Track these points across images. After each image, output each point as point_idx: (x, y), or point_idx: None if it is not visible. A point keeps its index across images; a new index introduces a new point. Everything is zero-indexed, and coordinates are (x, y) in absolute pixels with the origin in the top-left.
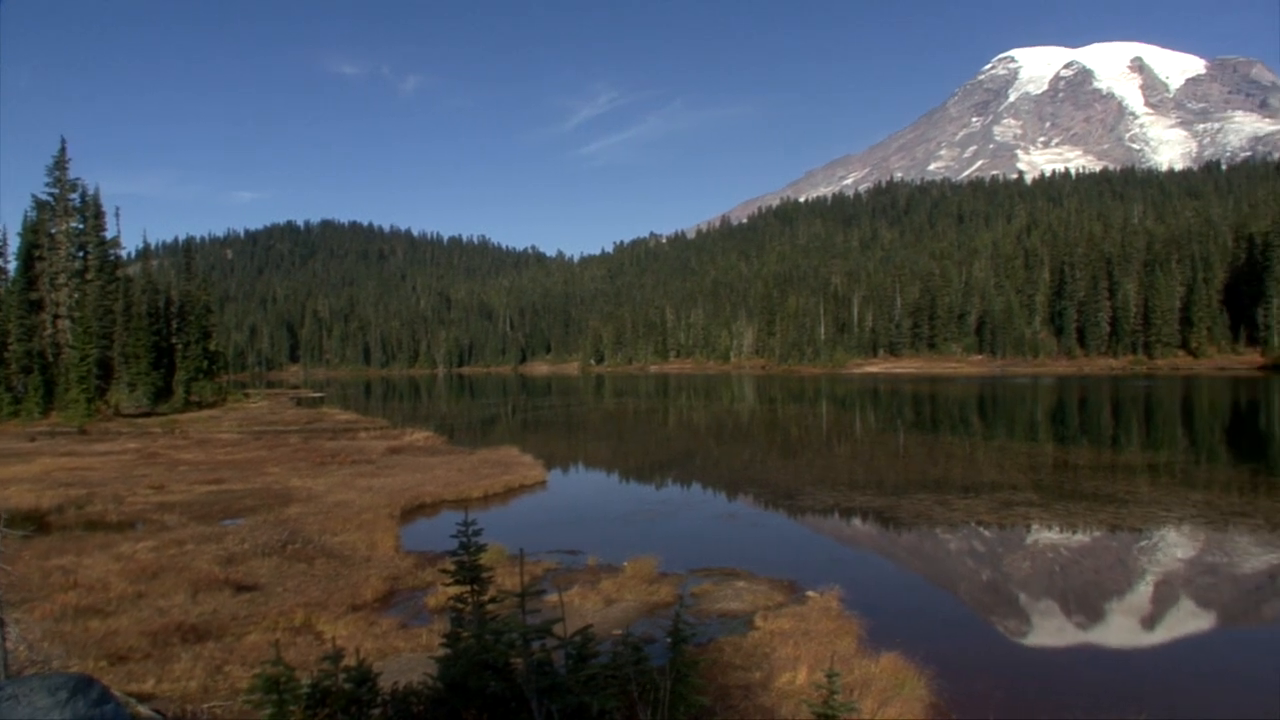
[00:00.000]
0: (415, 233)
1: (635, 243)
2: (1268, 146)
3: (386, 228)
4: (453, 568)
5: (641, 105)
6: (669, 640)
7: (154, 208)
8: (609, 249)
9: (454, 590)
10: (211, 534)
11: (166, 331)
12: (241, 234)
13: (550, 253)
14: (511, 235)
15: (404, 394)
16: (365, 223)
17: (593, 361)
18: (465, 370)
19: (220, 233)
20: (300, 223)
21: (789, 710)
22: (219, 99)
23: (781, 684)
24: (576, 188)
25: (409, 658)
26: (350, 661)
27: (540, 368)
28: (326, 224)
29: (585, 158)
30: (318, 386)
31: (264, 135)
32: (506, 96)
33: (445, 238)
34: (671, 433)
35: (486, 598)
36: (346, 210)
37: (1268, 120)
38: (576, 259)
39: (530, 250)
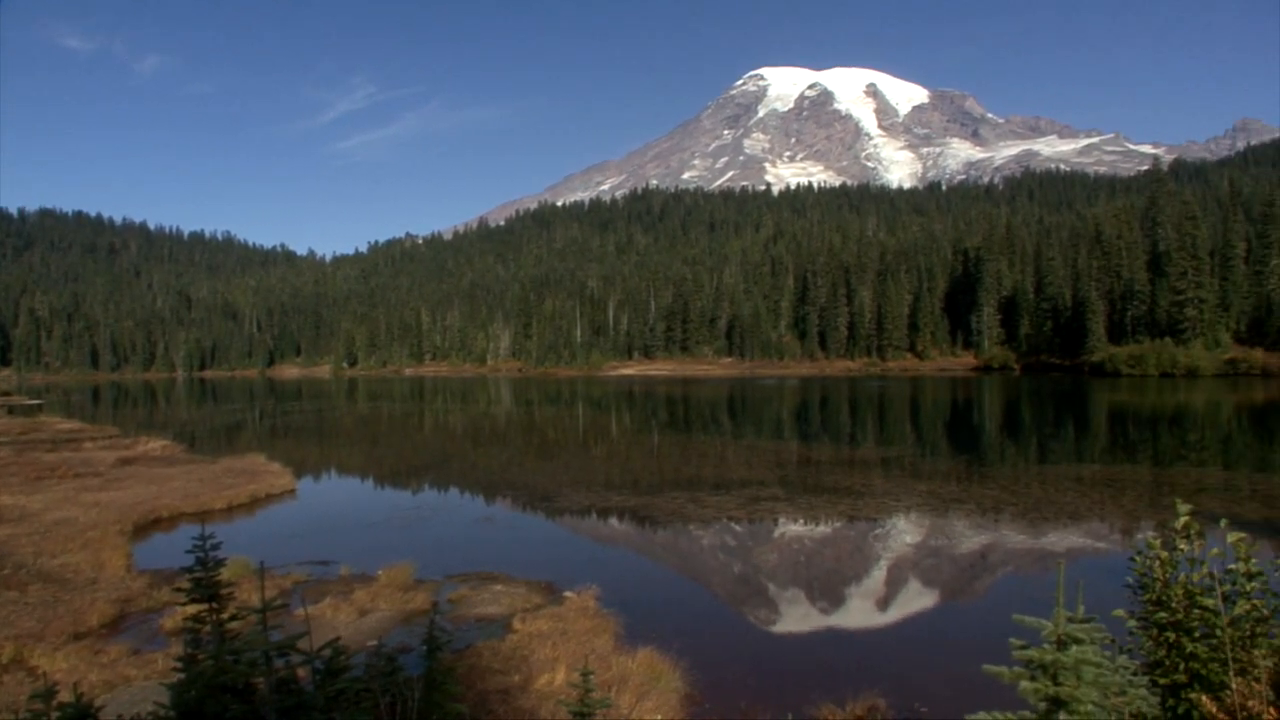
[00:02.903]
0: (151, 226)
1: (391, 243)
2: (978, 171)
3: (118, 220)
4: (189, 585)
5: (400, 102)
6: (424, 648)
7: None
8: (363, 249)
9: (192, 610)
10: None
11: None
12: None
13: (301, 251)
14: (259, 232)
15: (138, 400)
16: (93, 213)
17: (345, 364)
18: (208, 374)
19: None
20: (14, 210)
21: (547, 711)
22: None
23: (540, 685)
24: (331, 185)
25: (141, 687)
26: (66, 697)
27: (290, 371)
28: (46, 213)
29: (341, 154)
30: (35, 393)
31: None
32: (257, 84)
33: (186, 233)
34: (427, 436)
35: (226, 615)
36: (71, 199)
37: (978, 149)
38: (329, 258)
39: (280, 248)
